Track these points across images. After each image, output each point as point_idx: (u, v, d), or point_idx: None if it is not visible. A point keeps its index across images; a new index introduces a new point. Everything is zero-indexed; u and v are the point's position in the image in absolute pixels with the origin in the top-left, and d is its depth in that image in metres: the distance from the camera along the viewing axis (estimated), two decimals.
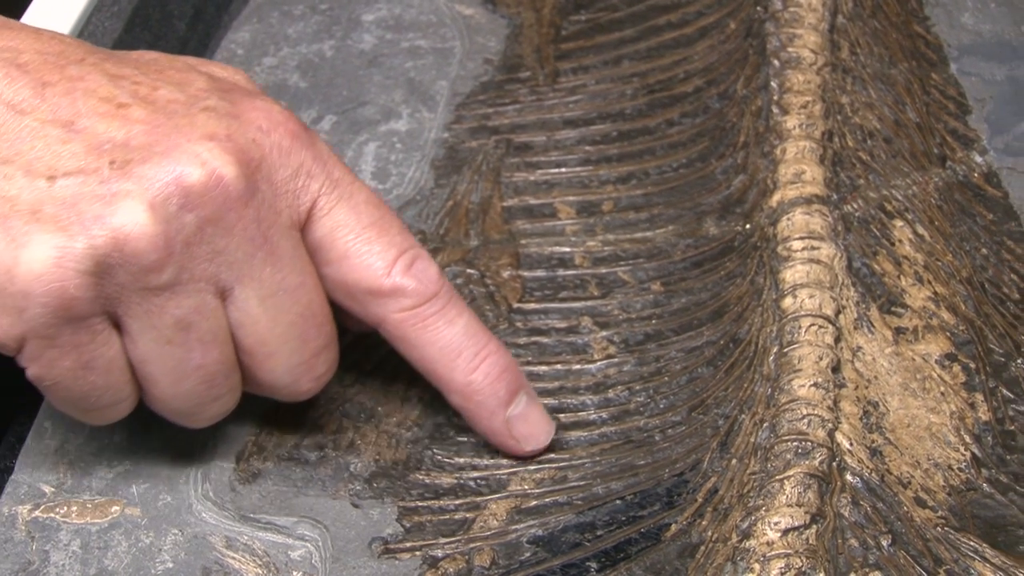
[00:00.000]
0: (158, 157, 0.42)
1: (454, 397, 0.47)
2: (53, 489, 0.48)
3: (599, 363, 0.51)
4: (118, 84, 0.44)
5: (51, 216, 0.41)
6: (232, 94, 0.45)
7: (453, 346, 0.46)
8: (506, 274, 0.55)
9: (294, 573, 0.45)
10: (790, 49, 0.61)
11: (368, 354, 0.52)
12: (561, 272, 0.55)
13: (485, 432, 0.48)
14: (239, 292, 0.44)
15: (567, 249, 0.56)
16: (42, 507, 0.47)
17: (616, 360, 0.51)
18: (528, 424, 0.47)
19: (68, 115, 0.42)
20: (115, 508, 0.47)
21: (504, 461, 0.49)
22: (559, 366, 0.52)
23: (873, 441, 0.48)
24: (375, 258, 0.45)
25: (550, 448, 0.49)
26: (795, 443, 0.46)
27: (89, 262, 0.41)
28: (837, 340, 0.50)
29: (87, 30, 0.61)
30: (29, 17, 0.60)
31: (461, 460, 0.49)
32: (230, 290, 0.43)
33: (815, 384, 0.48)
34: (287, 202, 0.44)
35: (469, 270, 0.55)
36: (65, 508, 0.47)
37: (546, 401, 0.50)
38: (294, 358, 0.45)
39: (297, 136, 0.45)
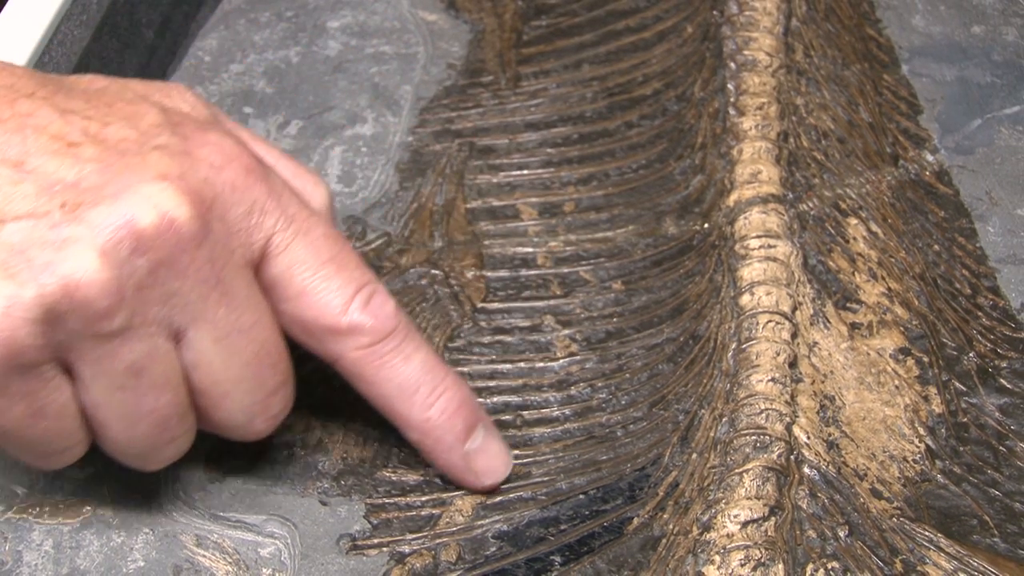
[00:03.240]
0: (109, 200, 0.40)
1: (412, 433, 0.46)
2: (25, 490, 0.47)
3: (562, 361, 0.51)
4: (68, 120, 0.41)
5: (1, 263, 0.39)
6: (184, 128, 0.43)
7: (410, 383, 0.45)
8: (470, 274, 0.54)
9: (264, 570, 0.45)
10: (746, 52, 0.61)
11: None
12: (524, 272, 0.55)
13: (443, 467, 0.46)
14: (193, 334, 0.42)
15: (530, 249, 0.55)
16: (14, 508, 0.47)
17: (578, 358, 0.51)
18: (486, 458, 0.46)
19: (18, 154, 0.40)
20: (87, 508, 0.47)
21: None
22: (523, 364, 0.51)
23: (830, 434, 0.47)
24: (332, 295, 0.44)
25: (515, 445, 0.48)
26: (754, 437, 0.46)
27: (38, 310, 0.39)
28: (794, 336, 0.50)
29: (56, 39, 0.60)
30: None
31: None
32: (183, 332, 0.42)
33: (773, 379, 0.48)
34: (241, 240, 0.42)
35: (434, 271, 0.54)
36: (37, 509, 0.47)
37: (510, 399, 0.50)
38: (249, 398, 0.44)
39: (251, 171, 0.43)
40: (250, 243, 0.43)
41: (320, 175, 0.50)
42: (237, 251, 0.42)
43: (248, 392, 0.44)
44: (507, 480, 0.47)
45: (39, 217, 0.39)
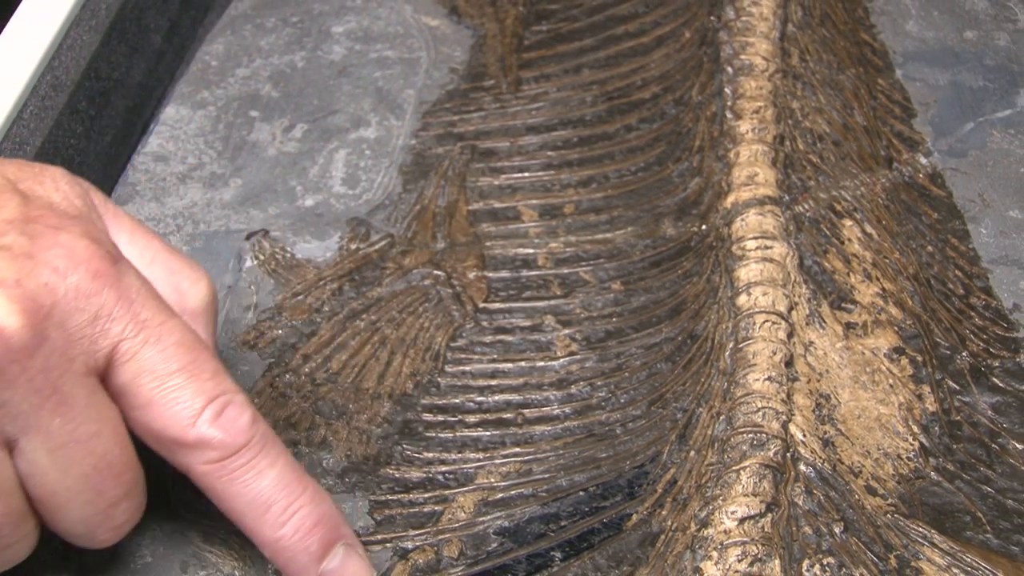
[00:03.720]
0: None
1: (265, 551, 0.43)
2: None
3: (562, 360, 0.51)
4: None
5: None
6: (36, 225, 0.40)
7: (261, 499, 0.42)
8: (472, 275, 0.54)
9: (269, 565, 0.45)
10: (743, 57, 0.61)
11: (338, 352, 0.51)
12: (525, 273, 0.55)
13: None
14: (25, 444, 0.40)
15: (530, 250, 0.56)
16: None
17: (578, 357, 0.51)
18: None
19: None
20: None
21: (471, 455, 0.48)
22: (523, 363, 0.51)
23: (825, 432, 0.47)
24: (180, 406, 0.41)
25: (516, 443, 0.48)
26: (750, 435, 0.46)
27: None
28: (790, 335, 0.50)
29: (65, 43, 0.60)
30: (8, 32, 0.60)
31: (430, 455, 0.48)
32: (15, 441, 0.39)
33: (769, 378, 0.48)
34: (82, 348, 0.40)
35: (436, 272, 0.54)
36: None
37: (511, 397, 0.50)
38: (88, 509, 0.41)
39: (100, 275, 0.40)
40: (93, 351, 0.40)
41: (203, 271, 0.46)
42: (78, 359, 0.40)
43: (87, 504, 0.41)
44: (508, 477, 0.47)
45: None
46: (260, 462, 0.42)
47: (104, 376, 0.41)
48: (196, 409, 0.41)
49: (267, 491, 0.42)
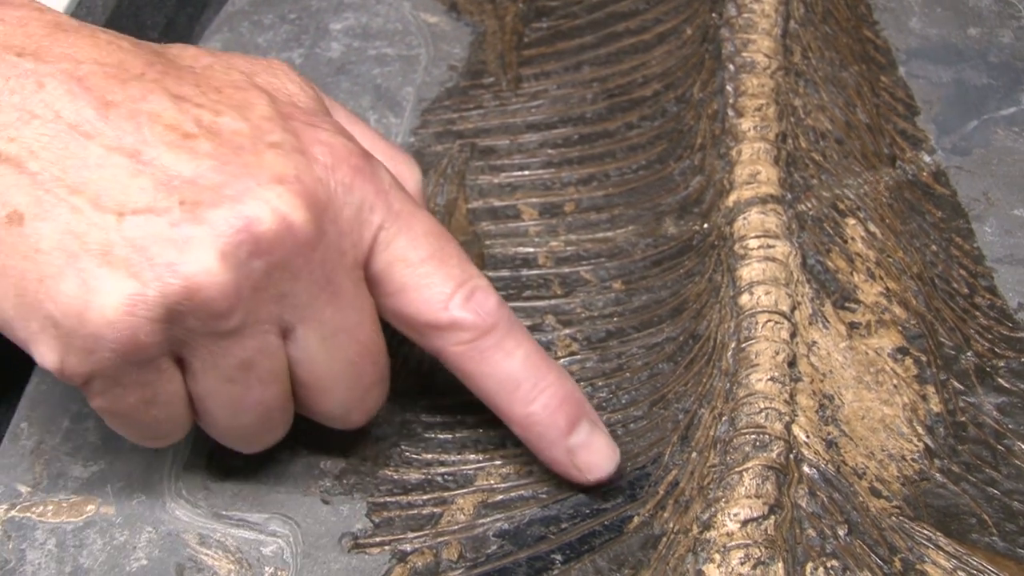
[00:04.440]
0: (229, 202, 0.39)
1: (515, 428, 0.45)
2: (29, 489, 0.47)
3: (562, 360, 0.51)
4: (181, 108, 0.41)
5: (122, 260, 0.39)
6: (294, 122, 0.43)
7: (511, 378, 0.44)
8: None
9: (266, 568, 0.45)
10: (744, 54, 0.60)
11: None
12: (525, 272, 0.54)
13: (547, 462, 0.46)
14: (300, 332, 0.42)
15: (531, 249, 0.55)
16: (18, 507, 0.46)
17: (579, 357, 0.51)
18: (590, 453, 0.45)
19: (134, 143, 0.40)
20: (90, 507, 0.46)
21: (471, 456, 0.48)
22: None
23: (829, 433, 0.47)
24: (433, 291, 0.43)
25: (516, 444, 0.47)
26: (753, 436, 0.46)
27: (160, 310, 0.39)
28: (793, 335, 0.49)
29: None
30: None
31: (428, 456, 0.48)
32: (292, 329, 0.42)
33: (772, 378, 0.48)
34: (352, 241, 0.42)
35: None
36: (41, 507, 0.46)
37: None
38: (348, 394, 0.44)
39: (360, 171, 0.42)
40: (359, 242, 0.42)
41: (410, 155, 0.51)
42: (348, 252, 0.42)
43: (348, 388, 0.44)
44: (508, 479, 0.47)
45: (159, 213, 0.39)
46: (508, 343, 0.44)
47: (363, 267, 0.43)
48: (447, 293, 0.43)
49: (516, 370, 0.44)
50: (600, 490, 0.46)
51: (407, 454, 0.48)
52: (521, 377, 0.44)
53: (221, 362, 0.41)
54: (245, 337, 0.41)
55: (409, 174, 0.49)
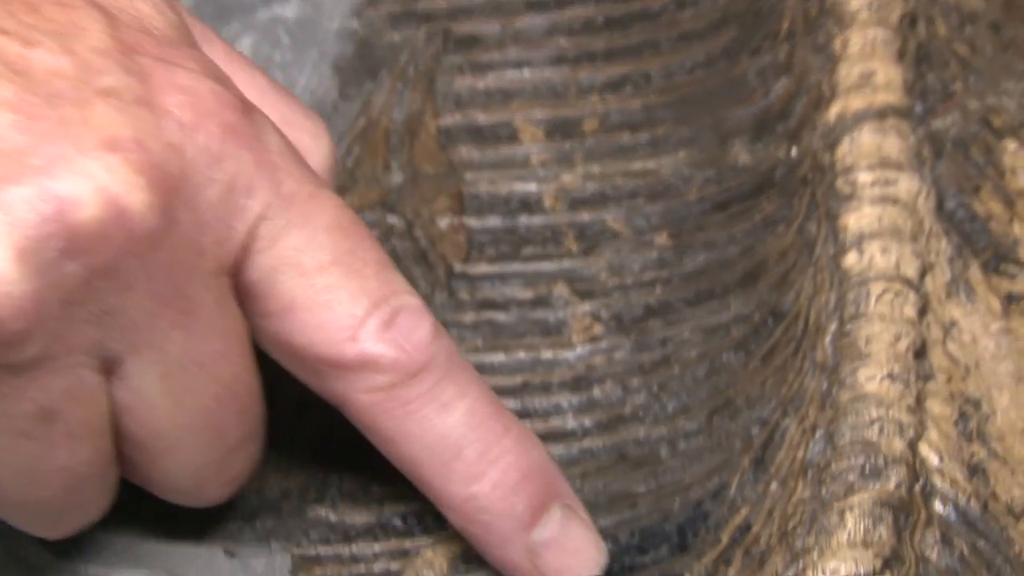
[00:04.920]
0: (34, 176, 0.39)
1: (452, 515, 0.46)
2: None
3: (580, 349, 0.52)
4: None
5: None
6: (141, 57, 0.42)
7: (448, 442, 0.45)
8: (444, 223, 0.55)
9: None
10: None
11: None
12: (524, 220, 0.55)
13: (499, 564, 0.46)
14: (132, 366, 0.42)
15: (533, 187, 0.56)
16: None
17: (604, 345, 0.52)
18: (562, 554, 0.46)
19: None
20: None
21: None
22: (522, 354, 0.52)
23: (973, 454, 0.48)
24: (337, 313, 0.44)
25: None
26: (861, 459, 0.47)
27: None
28: (922, 313, 0.50)
29: None
30: None
31: (380, 488, 0.49)
32: (119, 364, 0.42)
33: (890, 375, 0.48)
34: (214, 235, 0.42)
35: (390, 218, 0.55)
36: None
37: (506, 402, 0.49)
38: (200, 457, 0.45)
39: (234, 132, 0.42)
40: (227, 239, 0.43)
41: (321, 121, 0.50)
42: (209, 251, 0.42)
43: (200, 449, 0.44)
44: None
45: None
46: (446, 391, 0.44)
47: (232, 274, 0.43)
48: (357, 316, 0.44)
49: (456, 431, 0.45)
50: (636, 536, 0.48)
51: (350, 486, 0.49)
52: (464, 441, 0.45)
53: (12, 408, 0.40)
54: (48, 373, 0.40)
55: (313, 140, 0.49)
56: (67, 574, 0.48)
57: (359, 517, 0.49)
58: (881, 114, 0.55)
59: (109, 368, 0.42)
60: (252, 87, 0.47)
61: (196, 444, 0.44)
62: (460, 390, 0.45)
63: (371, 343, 0.44)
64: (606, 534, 0.48)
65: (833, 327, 0.50)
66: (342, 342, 0.44)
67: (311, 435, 0.50)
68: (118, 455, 0.44)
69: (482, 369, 0.51)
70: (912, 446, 0.48)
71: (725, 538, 0.47)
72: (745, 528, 0.47)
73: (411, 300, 0.45)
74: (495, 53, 0.60)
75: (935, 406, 0.49)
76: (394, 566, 0.48)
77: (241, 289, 0.44)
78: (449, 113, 0.58)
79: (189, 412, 0.43)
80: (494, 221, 0.56)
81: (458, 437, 0.45)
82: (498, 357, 0.53)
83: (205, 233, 0.42)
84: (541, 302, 0.53)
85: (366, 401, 0.44)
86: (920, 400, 0.49)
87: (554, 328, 0.53)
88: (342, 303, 0.44)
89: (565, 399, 0.51)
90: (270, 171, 0.43)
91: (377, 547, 0.48)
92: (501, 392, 0.50)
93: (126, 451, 0.44)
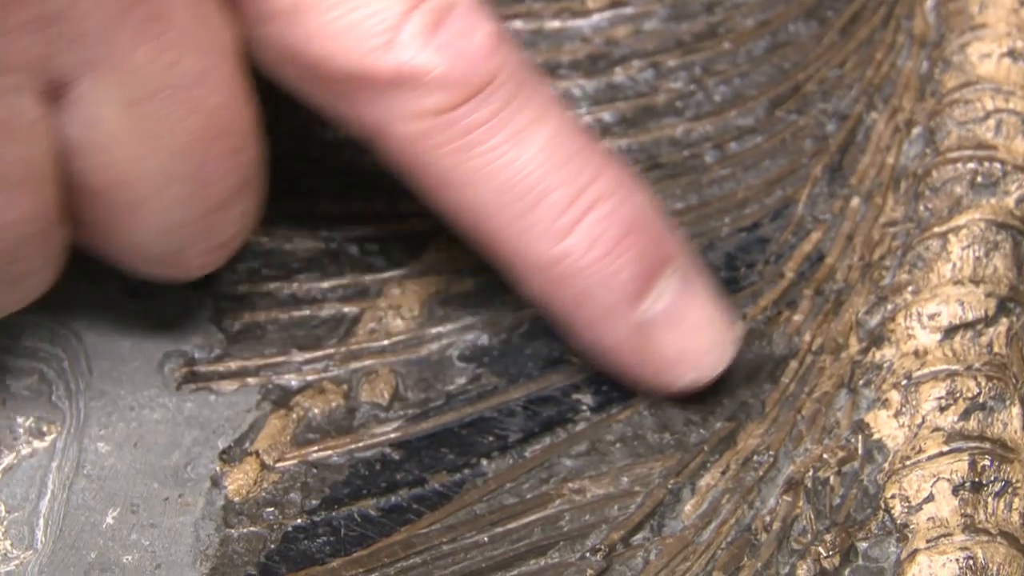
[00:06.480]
0: None
1: (531, 282, 0.42)
2: None
3: (597, 17, 0.49)
4: None
5: None
6: None
7: (527, 184, 0.41)
8: None
9: (17, 418, 0.43)
10: None
11: None
12: None
13: (594, 348, 0.43)
14: (85, 90, 0.39)
15: None
16: None
17: (630, 10, 0.49)
18: (680, 335, 0.42)
19: None
20: None
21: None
22: (519, 24, 0.49)
23: None
24: (364, 10, 0.40)
25: None
26: (972, 164, 0.44)
27: None
28: None
29: None
30: None
31: (333, 205, 0.46)
32: (68, 86, 0.39)
33: (1010, 52, 0.46)
34: None
35: None
36: None
37: None
38: (178, 214, 0.41)
39: None
40: None
41: None
42: None
43: (177, 203, 0.41)
44: None
45: None
46: (519, 115, 0.41)
47: None
48: (395, 14, 0.40)
49: (536, 169, 0.41)
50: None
51: (294, 207, 0.47)
52: (547, 182, 0.41)
53: None
54: None
55: None
56: None
57: (302, 243, 0.46)
58: None
59: (56, 93, 0.39)
60: None
61: (171, 196, 0.41)
62: (538, 114, 0.41)
63: (413, 50, 0.40)
64: None
65: None
66: (374, 51, 0.40)
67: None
68: (68, 213, 0.41)
69: None
70: None
71: (789, 272, 0.45)
72: (816, 259, 0.45)
73: None
74: None
75: None
76: (349, 310, 0.45)
77: None
78: None
79: (161, 153, 0.40)
80: None
81: (539, 177, 0.41)
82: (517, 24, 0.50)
83: None
84: None
85: (408, 132, 0.40)
86: None
87: None
88: None
89: (576, 84, 0.48)
90: None
91: (326, 284, 0.45)
92: None
93: (80, 208, 0.41)
